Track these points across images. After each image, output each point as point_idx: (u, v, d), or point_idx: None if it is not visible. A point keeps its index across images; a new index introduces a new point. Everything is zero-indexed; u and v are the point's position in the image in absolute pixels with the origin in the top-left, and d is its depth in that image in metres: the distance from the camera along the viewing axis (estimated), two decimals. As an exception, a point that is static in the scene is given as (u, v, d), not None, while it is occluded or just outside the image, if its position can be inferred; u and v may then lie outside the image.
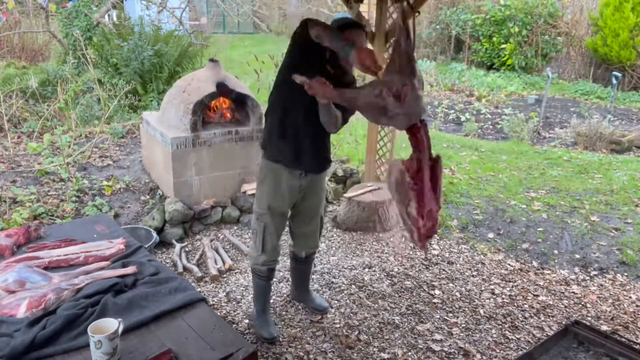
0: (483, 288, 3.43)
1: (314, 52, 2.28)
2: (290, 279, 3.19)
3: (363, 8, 3.68)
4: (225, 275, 3.43)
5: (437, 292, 3.35)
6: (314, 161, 2.59)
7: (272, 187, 2.57)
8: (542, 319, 3.11)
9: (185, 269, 3.47)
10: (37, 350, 1.61)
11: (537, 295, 3.36)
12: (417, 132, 2.00)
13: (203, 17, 16.87)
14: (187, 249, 3.76)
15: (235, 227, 4.13)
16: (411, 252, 3.89)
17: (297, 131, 2.46)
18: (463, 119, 7.95)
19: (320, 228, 2.89)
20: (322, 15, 14.28)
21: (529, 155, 5.99)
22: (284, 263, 3.58)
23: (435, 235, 4.17)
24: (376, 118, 2.02)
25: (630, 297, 3.37)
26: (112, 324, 1.62)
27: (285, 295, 3.20)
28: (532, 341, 2.88)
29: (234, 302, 3.12)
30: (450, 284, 3.46)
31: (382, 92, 1.89)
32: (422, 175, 1.98)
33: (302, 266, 3.01)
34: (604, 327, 2.99)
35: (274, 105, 2.51)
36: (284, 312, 3.03)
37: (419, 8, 3.74)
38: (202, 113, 4.00)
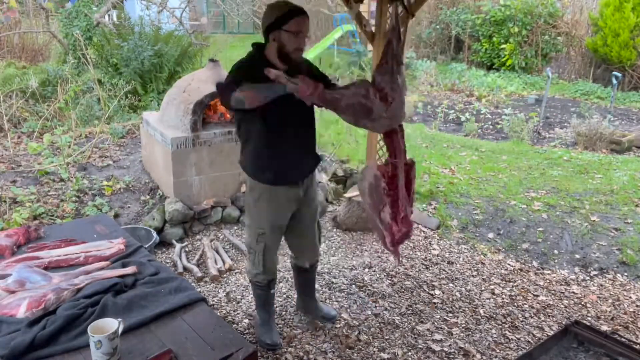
0: (483, 288, 3.43)
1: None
2: (294, 288, 3.07)
3: (363, 8, 3.68)
4: (225, 275, 3.43)
5: (437, 292, 3.35)
6: (305, 166, 2.53)
7: (269, 204, 2.46)
8: (542, 319, 3.11)
9: (185, 269, 3.47)
10: (37, 350, 1.62)
11: (537, 295, 3.36)
12: (395, 136, 1.97)
13: (203, 17, 16.87)
14: (187, 249, 3.76)
15: (235, 227, 4.13)
16: (411, 252, 3.89)
17: (280, 147, 2.34)
18: (463, 119, 7.95)
19: (319, 234, 2.80)
20: (322, 15, 14.27)
21: (529, 155, 5.99)
22: (284, 263, 3.58)
23: (435, 235, 4.17)
24: (357, 119, 1.93)
25: (630, 297, 3.37)
26: (112, 324, 1.62)
27: (284, 294, 3.20)
28: (532, 341, 2.88)
29: (234, 302, 3.12)
30: (450, 284, 3.45)
31: (369, 92, 1.84)
32: (396, 181, 1.97)
33: (306, 275, 2.90)
34: (604, 327, 2.99)
35: (247, 134, 2.40)
36: (283, 312, 3.03)
37: (416, 11, 3.74)
38: (202, 113, 4.00)
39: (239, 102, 2.07)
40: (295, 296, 3.10)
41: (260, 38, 2.37)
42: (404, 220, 1.97)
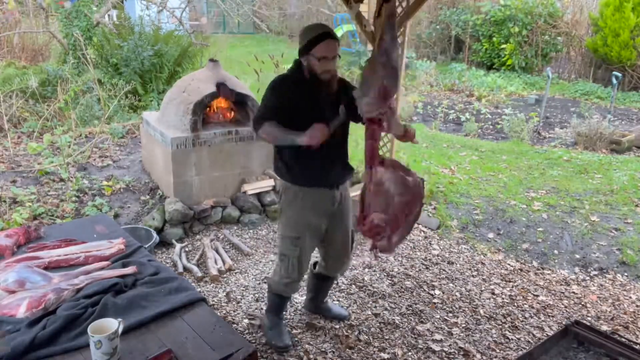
0: (483, 288, 3.43)
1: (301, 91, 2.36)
2: (307, 290, 3.04)
3: (363, 8, 3.68)
4: (225, 275, 3.43)
5: (437, 292, 3.35)
6: (341, 172, 2.55)
7: (304, 203, 2.47)
8: (542, 319, 3.11)
9: (185, 269, 3.47)
10: (37, 350, 1.61)
11: (537, 295, 3.36)
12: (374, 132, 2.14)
13: (203, 17, 16.87)
14: (187, 249, 3.76)
15: (235, 227, 4.13)
16: (411, 252, 3.89)
17: (314, 157, 2.35)
18: (463, 119, 7.95)
19: (352, 243, 2.75)
20: (322, 15, 14.28)
21: (529, 155, 5.99)
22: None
23: (435, 235, 4.17)
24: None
25: (630, 297, 3.37)
26: (112, 324, 1.62)
27: (285, 295, 3.20)
28: (532, 341, 2.88)
29: (234, 302, 3.12)
30: (450, 284, 3.45)
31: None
32: (369, 186, 2.13)
33: (327, 282, 2.92)
34: (604, 327, 2.99)
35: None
36: (283, 312, 3.02)
37: (414, 13, 3.73)
38: (202, 113, 4.00)
39: (260, 137, 2.36)
40: (302, 298, 3.10)
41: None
42: (370, 226, 2.09)
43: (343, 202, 2.58)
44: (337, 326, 2.92)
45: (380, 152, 4.61)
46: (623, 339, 2.59)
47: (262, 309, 3.05)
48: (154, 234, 3.55)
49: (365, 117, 2.09)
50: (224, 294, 3.19)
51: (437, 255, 3.86)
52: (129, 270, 2.06)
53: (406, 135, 2.22)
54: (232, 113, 4.33)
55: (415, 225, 4.33)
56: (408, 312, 3.11)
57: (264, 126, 2.29)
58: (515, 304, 3.25)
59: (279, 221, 2.60)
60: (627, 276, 3.59)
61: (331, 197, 2.51)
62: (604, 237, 3.94)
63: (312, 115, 2.26)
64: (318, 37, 2.29)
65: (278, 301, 2.72)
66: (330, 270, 2.79)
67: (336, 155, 2.50)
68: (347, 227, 2.66)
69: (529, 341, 2.89)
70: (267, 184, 4.30)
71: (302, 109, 2.33)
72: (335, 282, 3.33)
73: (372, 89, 2.02)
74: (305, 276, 2.86)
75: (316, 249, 2.70)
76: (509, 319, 3.10)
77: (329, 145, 2.30)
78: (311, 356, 2.67)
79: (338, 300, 3.18)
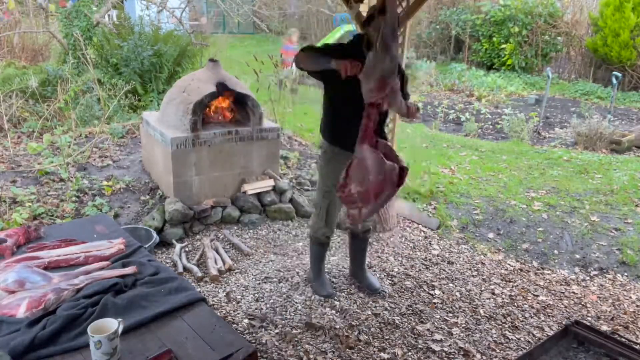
0: (483, 288, 3.43)
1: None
2: (348, 256, 3.48)
3: (363, 8, 3.68)
4: (225, 275, 3.43)
5: (437, 292, 3.35)
6: None
7: (337, 167, 2.72)
8: (542, 319, 3.11)
9: (185, 269, 3.47)
10: (37, 350, 1.61)
11: (537, 295, 3.36)
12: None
13: (203, 17, 16.87)
14: (187, 249, 3.76)
15: (235, 227, 4.13)
16: (411, 252, 3.89)
17: (346, 120, 2.65)
18: (463, 119, 7.95)
19: None
20: (322, 15, 14.27)
21: (529, 155, 5.99)
22: (284, 263, 3.58)
23: (435, 235, 4.17)
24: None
25: (630, 297, 3.37)
26: (112, 324, 1.62)
27: (284, 294, 3.20)
28: (532, 341, 2.88)
29: (234, 302, 3.12)
30: (450, 284, 3.45)
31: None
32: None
33: (359, 242, 3.28)
34: (604, 327, 2.99)
35: (324, 106, 2.86)
36: (283, 312, 3.03)
37: (414, 13, 3.73)
38: (202, 113, 3.99)
39: (296, 61, 2.60)
40: (300, 297, 3.15)
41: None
42: (347, 194, 2.38)
43: None
44: (337, 326, 2.92)
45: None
46: (623, 339, 2.59)
47: (262, 309, 3.06)
48: (154, 234, 3.55)
49: (366, 101, 2.33)
50: (224, 294, 3.19)
51: (437, 255, 3.86)
52: (129, 270, 2.06)
53: (408, 114, 2.53)
54: (232, 113, 4.33)
55: (415, 225, 4.34)
56: (408, 312, 3.11)
57: (304, 50, 2.60)
58: (515, 304, 3.25)
59: (317, 175, 3.05)
60: (627, 276, 3.59)
61: None
62: (604, 237, 3.94)
63: (347, 88, 2.44)
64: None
65: (315, 249, 3.17)
66: (354, 226, 3.13)
67: None
68: None
69: (529, 341, 2.89)
70: (267, 184, 4.30)
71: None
72: (335, 282, 3.34)
73: (372, 78, 2.25)
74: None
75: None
76: (509, 319, 3.10)
77: (359, 116, 2.50)
78: (311, 356, 2.67)
79: (338, 301, 3.18)
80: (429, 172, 5.19)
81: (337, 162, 2.79)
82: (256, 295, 3.20)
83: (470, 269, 3.67)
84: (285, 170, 4.88)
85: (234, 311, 3.03)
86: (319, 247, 3.16)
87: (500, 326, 3.02)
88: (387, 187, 2.33)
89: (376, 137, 2.40)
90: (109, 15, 8.86)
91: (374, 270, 3.56)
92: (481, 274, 3.61)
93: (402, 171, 2.36)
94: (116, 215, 3.87)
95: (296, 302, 3.13)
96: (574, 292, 3.43)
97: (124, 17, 8.86)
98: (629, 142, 6.61)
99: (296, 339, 2.80)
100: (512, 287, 3.46)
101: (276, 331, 2.84)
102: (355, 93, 2.41)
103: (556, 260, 3.79)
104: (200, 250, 3.70)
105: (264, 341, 2.76)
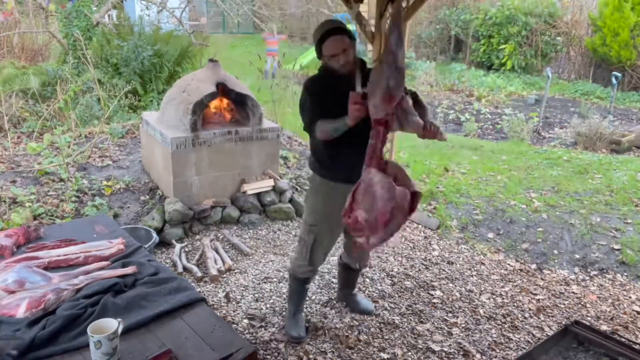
0: (483, 288, 3.43)
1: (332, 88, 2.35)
2: (337, 281, 3.23)
3: (363, 8, 3.68)
4: (225, 276, 3.43)
5: (437, 292, 3.35)
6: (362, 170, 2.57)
7: (324, 197, 2.57)
8: (542, 319, 3.11)
9: (185, 269, 3.47)
10: (37, 350, 1.61)
11: (537, 295, 3.36)
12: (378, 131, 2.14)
13: (203, 17, 16.88)
14: (187, 249, 3.76)
15: (235, 227, 4.13)
16: (411, 252, 3.89)
17: (341, 149, 2.43)
18: (463, 119, 7.95)
19: None
20: (322, 15, 14.27)
21: (529, 155, 5.99)
22: (283, 263, 3.58)
23: (435, 235, 4.17)
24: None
25: (630, 297, 3.37)
26: (111, 324, 1.62)
27: (283, 294, 3.20)
28: (532, 341, 2.88)
29: (233, 302, 3.12)
30: (450, 284, 3.45)
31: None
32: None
33: (352, 274, 3.05)
34: (604, 327, 2.99)
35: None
36: (284, 312, 3.02)
37: (414, 13, 3.73)
38: (202, 113, 3.99)
39: (320, 138, 2.39)
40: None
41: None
42: (354, 221, 2.13)
43: None
44: (337, 326, 2.92)
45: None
46: (623, 339, 2.59)
47: (262, 309, 3.06)
48: (154, 234, 3.55)
49: (372, 118, 2.11)
50: (224, 294, 3.19)
51: (437, 255, 3.86)
52: (129, 270, 2.06)
53: (427, 132, 2.18)
54: (232, 113, 4.33)
55: (415, 225, 4.34)
56: (408, 312, 3.11)
57: (317, 127, 2.35)
58: (515, 304, 3.25)
59: (304, 208, 2.74)
60: (627, 276, 3.59)
61: None
62: (604, 237, 3.94)
63: (343, 107, 2.21)
64: (321, 37, 2.33)
65: (295, 285, 2.82)
66: (350, 260, 2.91)
67: (360, 154, 2.43)
68: None
69: (528, 341, 2.89)
70: (266, 184, 4.30)
71: (333, 103, 2.31)
72: (335, 282, 3.33)
73: (377, 91, 2.04)
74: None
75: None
76: (508, 319, 3.10)
77: (354, 144, 2.34)
78: (311, 356, 2.67)
79: (337, 301, 3.18)
80: (429, 172, 5.20)
81: (327, 194, 2.57)
82: (256, 295, 3.20)
83: (470, 269, 3.67)
84: (285, 170, 4.89)
85: (233, 311, 3.03)
86: (299, 283, 2.81)
87: (500, 326, 3.02)
88: (398, 215, 2.10)
89: (385, 159, 2.18)
90: (108, 15, 8.86)
91: (374, 270, 3.56)
92: (481, 274, 3.61)
93: (414, 196, 2.12)
94: (116, 215, 3.86)
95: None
96: (573, 292, 3.42)
97: (123, 17, 8.86)
98: (629, 142, 6.61)
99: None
100: (512, 287, 3.46)
101: (276, 331, 2.84)
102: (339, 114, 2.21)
103: (556, 260, 3.79)
104: (200, 251, 3.69)
105: (263, 341, 2.76)
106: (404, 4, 3.62)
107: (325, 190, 2.57)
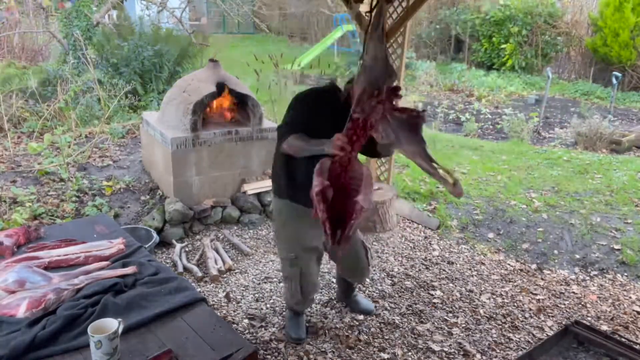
0: (483, 288, 3.43)
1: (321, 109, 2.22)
2: (336, 283, 3.20)
3: (363, 8, 3.67)
4: (225, 276, 3.43)
5: (437, 292, 3.35)
6: None
7: (298, 226, 2.41)
8: (542, 319, 3.11)
9: (185, 269, 3.47)
10: (37, 350, 1.61)
11: (537, 295, 3.36)
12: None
13: (203, 17, 16.89)
14: (187, 249, 3.76)
15: (236, 227, 4.13)
16: (411, 252, 3.89)
17: (309, 168, 2.08)
18: (463, 119, 7.95)
19: (367, 253, 2.75)
20: (322, 15, 14.28)
21: (529, 155, 5.99)
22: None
23: (435, 236, 4.17)
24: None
25: (630, 297, 3.37)
26: (112, 324, 1.62)
27: (284, 294, 3.20)
28: (532, 341, 2.88)
29: (234, 302, 3.12)
30: (450, 284, 3.45)
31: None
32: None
33: (350, 284, 3.04)
34: (604, 327, 2.99)
35: (276, 153, 2.37)
36: (284, 311, 3.03)
37: (414, 13, 3.73)
38: (202, 113, 4.00)
39: (284, 151, 2.17)
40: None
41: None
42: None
43: None
44: (338, 326, 2.92)
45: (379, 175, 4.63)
46: (623, 339, 2.59)
47: (262, 309, 3.06)
48: (154, 234, 3.55)
49: (352, 116, 1.91)
50: (224, 294, 3.19)
51: (437, 255, 3.86)
52: (129, 270, 2.06)
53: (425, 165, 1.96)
54: (232, 113, 4.33)
55: (415, 225, 4.34)
56: (408, 312, 3.11)
57: (289, 139, 2.14)
58: (515, 304, 3.25)
59: (275, 242, 2.52)
60: (627, 276, 3.59)
61: None
62: (604, 237, 3.94)
63: (335, 129, 2.01)
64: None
65: (292, 315, 2.81)
66: (351, 280, 2.93)
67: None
68: (355, 240, 2.64)
69: (529, 341, 2.89)
70: (267, 184, 4.30)
71: (327, 123, 2.13)
72: (335, 282, 3.33)
73: (359, 86, 1.92)
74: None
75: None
76: (508, 319, 3.10)
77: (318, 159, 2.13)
78: (311, 356, 2.67)
79: (337, 301, 3.18)
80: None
81: (298, 221, 2.37)
82: (256, 295, 3.20)
83: (470, 269, 3.67)
84: (285, 170, 4.88)
85: (234, 311, 3.03)
86: (298, 314, 2.78)
87: (500, 326, 3.02)
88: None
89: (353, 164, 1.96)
90: (109, 15, 8.86)
91: (374, 270, 3.56)
92: (481, 274, 3.61)
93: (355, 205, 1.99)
94: (116, 215, 3.87)
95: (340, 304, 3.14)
96: (574, 292, 3.42)
97: (124, 17, 8.86)
98: (629, 142, 6.61)
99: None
100: (512, 287, 3.46)
101: (276, 331, 2.84)
102: (324, 137, 1.99)
103: (556, 260, 3.79)
104: (200, 251, 3.70)
105: (264, 341, 2.76)
106: (403, 4, 3.63)
107: (295, 215, 2.38)
